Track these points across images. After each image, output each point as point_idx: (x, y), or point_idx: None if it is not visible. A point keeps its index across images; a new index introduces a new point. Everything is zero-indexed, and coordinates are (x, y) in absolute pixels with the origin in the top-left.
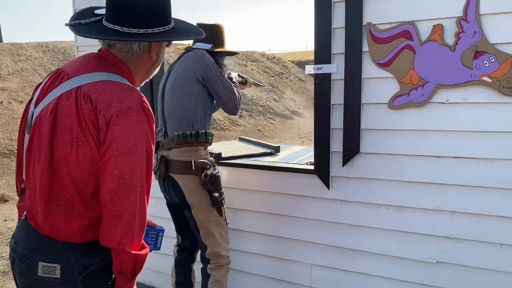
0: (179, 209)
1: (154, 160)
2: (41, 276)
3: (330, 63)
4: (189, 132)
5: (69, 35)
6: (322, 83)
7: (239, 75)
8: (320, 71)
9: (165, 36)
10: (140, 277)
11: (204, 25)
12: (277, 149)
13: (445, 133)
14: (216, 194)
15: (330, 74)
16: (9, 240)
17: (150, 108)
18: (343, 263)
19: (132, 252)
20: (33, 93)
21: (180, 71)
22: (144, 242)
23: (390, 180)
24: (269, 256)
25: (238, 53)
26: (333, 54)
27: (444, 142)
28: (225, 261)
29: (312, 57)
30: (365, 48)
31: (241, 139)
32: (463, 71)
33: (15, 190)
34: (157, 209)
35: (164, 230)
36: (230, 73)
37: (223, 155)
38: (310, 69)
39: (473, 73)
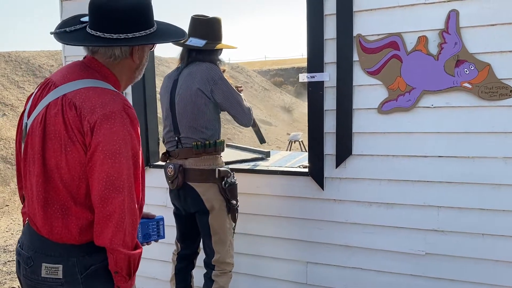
0: (188, 218)
1: (170, 169)
2: (45, 277)
3: (322, 71)
4: (208, 142)
5: (31, 45)
6: (316, 90)
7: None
8: (313, 79)
9: (145, 40)
10: (139, 284)
11: (200, 20)
12: (267, 154)
13: (430, 134)
14: (234, 202)
15: (323, 82)
16: None
17: (133, 110)
18: (337, 259)
19: (124, 251)
20: (26, 104)
21: (190, 85)
22: (138, 242)
23: (381, 180)
24: (266, 257)
25: (235, 48)
26: (325, 63)
27: (429, 143)
28: (229, 268)
29: (272, 66)
30: (355, 57)
31: (228, 146)
32: (446, 78)
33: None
34: None
35: (163, 218)
36: None
37: None
38: (303, 77)
39: (455, 80)
